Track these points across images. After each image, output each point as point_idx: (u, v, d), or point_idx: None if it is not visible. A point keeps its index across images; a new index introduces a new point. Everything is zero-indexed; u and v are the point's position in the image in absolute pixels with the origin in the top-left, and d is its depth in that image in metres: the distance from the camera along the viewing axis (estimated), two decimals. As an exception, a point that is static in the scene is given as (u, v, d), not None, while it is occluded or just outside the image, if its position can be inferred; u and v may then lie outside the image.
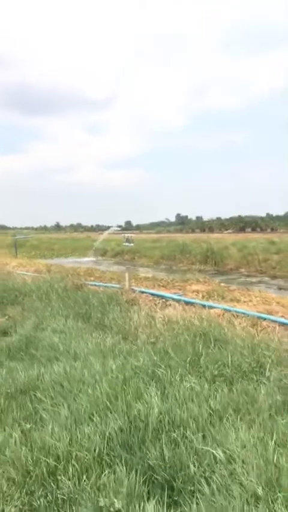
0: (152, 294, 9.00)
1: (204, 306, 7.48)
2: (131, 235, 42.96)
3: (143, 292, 9.20)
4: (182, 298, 8.31)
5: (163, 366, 4.28)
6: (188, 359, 4.46)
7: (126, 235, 42.08)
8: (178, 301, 8.30)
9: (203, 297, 8.72)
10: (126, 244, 39.19)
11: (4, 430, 3.41)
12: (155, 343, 5.59)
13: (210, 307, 7.44)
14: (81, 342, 5.59)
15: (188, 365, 4.32)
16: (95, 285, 10.70)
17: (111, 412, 3.46)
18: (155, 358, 4.49)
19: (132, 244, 38.67)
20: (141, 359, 4.47)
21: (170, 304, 8.30)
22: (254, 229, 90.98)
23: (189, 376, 4.10)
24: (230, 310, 7.19)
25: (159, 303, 8.54)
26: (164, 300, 8.62)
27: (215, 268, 27.42)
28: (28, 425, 3.41)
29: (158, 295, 8.87)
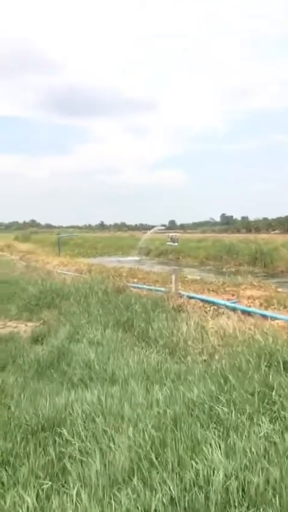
0: (202, 300, 8.01)
1: (265, 317, 6.42)
2: (176, 234, 41.95)
3: (191, 297, 8.23)
4: (237, 306, 7.27)
5: (224, 400, 3.30)
6: (256, 390, 3.46)
7: (170, 234, 41.09)
8: (232, 309, 7.27)
9: (260, 304, 7.63)
10: (171, 243, 38.09)
11: (15, 485, 2.57)
12: (209, 363, 4.63)
13: (273, 318, 6.36)
14: (121, 358, 4.71)
15: (256, 400, 3.32)
16: (138, 287, 9.84)
17: (157, 471, 2.54)
18: (212, 388, 3.52)
19: (176, 244, 37.54)
20: (195, 389, 3.50)
21: (223, 313, 7.29)
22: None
23: (260, 417, 3.10)
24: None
25: (210, 310, 7.54)
26: (215, 307, 7.62)
27: (264, 271, 25.85)
28: (47, 483, 2.55)
29: (208, 302, 7.87)
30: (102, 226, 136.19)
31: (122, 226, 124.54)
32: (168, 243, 38.81)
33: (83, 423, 3.21)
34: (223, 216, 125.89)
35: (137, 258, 35.88)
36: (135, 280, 11.23)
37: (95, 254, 40.84)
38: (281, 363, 4.22)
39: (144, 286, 9.79)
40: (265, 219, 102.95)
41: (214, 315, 7.19)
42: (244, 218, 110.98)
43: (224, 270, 25.97)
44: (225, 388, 3.57)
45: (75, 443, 2.99)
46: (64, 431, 3.13)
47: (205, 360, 4.81)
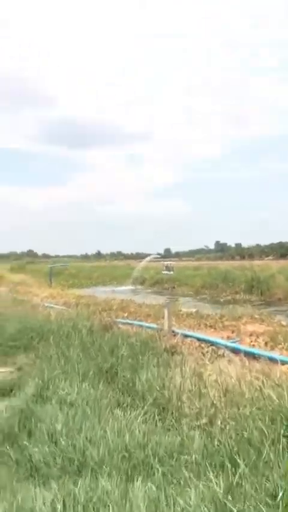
0: (199, 339, 7.02)
1: (273, 360, 5.43)
2: (171, 262, 41.03)
3: (186, 336, 7.24)
4: (239, 346, 6.27)
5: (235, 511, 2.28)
6: (278, 491, 2.43)
7: (165, 263, 40.11)
8: (234, 350, 6.28)
9: (265, 344, 6.64)
10: (166, 272, 36.97)
11: None
12: (209, 432, 3.61)
13: (283, 362, 5.37)
14: (97, 427, 3.68)
15: (280, 507, 2.31)
16: (128, 323, 8.83)
17: None
18: (217, 488, 2.48)
19: (172, 273, 36.37)
20: (191, 496, 2.46)
21: (223, 354, 6.29)
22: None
23: None
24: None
25: (207, 351, 6.55)
26: (214, 347, 6.63)
27: (261, 299, 24.79)
28: None
29: (206, 341, 6.88)
30: (99, 255, 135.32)
31: (118, 255, 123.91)
32: (163, 272, 37.73)
33: None
34: (217, 243, 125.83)
35: (131, 288, 34.83)
36: (125, 314, 10.23)
37: (89, 284, 39.64)
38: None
39: (135, 322, 8.79)
40: (258, 245, 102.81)
41: (213, 357, 6.18)
42: (238, 245, 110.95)
43: (220, 299, 25.00)
44: (234, 483, 2.55)
45: None
46: None
47: (204, 427, 3.79)
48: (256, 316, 9.11)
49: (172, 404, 4.39)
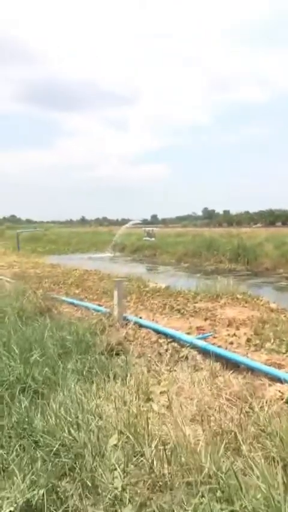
0: (157, 331, 5.11)
1: (257, 372, 3.55)
2: (153, 229, 38.97)
3: (141, 326, 5.33)
4: (210, 347, 4.35)
5: None
6: None
7: (147, 228, 38.13)
8: (203, 350, 4.40)
9: (247, 340, 4.75)
10: (147, 238, 35.20)
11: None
12: None
13: (269, 376, 3.50)
14: None
15: None
16: (74, 304, 6.89)
17: None
18: None
19: (153, 239, 34.65)
20: None
21: (187, 357, 4.41)
22: (284, 223, 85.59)
23: None
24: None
25: (167, 350, 4.66)
26: (178, 342, 4.74)
27: (247, 268, 23.09)
28: None
29: (166, 335, 4.97)
30: (83, 221, 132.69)
31: (103, 221, 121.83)
32: (144, 238, 35.88)
33: None
34: (205, 210, 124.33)
35: (110, 255, 32.91)
36: (77, 291, 8.27)
37: (67, 251, 37.53)
38: None
39: (81, 303, 6.83)
40: (247, 212, 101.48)
41: (172, 363, 4.30)
42: (226, 212, 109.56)
43: (203, 268, 23.22)
44: None
45: None
46: None
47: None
48: (238, 297, 7.23)
49: (90, 467, 2.50)
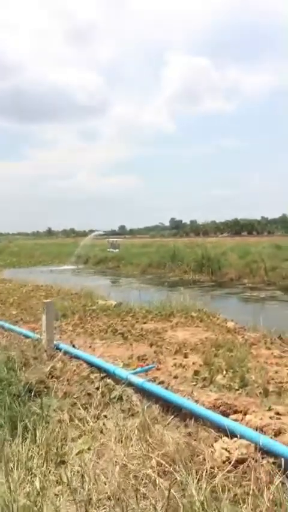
0: (90, 364, 4.26)
1: (205, 420, 2.77)
2: (117, 240, 38.10)
3: (72, 356, 4.47)
4: (148, 385, 3.54)
5: None
6: None
7: (110, 240, 37.23)
8: (141, 389, 3.59)
9: (195, 373, 3.96)
10: (111, 250, 34.32)
11: None
12: None
13: (215, 425, 2.72)
14: None
15: None
16: (3, 328, 5.97)
17: None
18: None
19: (117, 250, 33.81)
20: None
21: (121, 398, 3.59)
22: (250, 233, 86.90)
23: None
24: (270, 452, 2.50)
25: (99, 388, 3.82)
26: (113, 377, 3.91)
27: (212, 279, 22.57)
28: None
29: (99, 368, 4.13)
30: (50, 233, 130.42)
31: (70, 233, 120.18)
32: (108, 250, 34.96)
33: None
34: (172, 220, 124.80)
35: (73, 267, 31.81)
36: (15, 312, 7.32)
37: (29, 264, 36.13)
38: None
39: (11, 327, 5.89)
40: (213, 222, 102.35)
41: (102, 406, 3.46)
42: (193, 222, 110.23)
43: (167, 279, 22.53)
44: None
45: None
46: None
47: None
48: (193, 314, 6.49)
49: None
